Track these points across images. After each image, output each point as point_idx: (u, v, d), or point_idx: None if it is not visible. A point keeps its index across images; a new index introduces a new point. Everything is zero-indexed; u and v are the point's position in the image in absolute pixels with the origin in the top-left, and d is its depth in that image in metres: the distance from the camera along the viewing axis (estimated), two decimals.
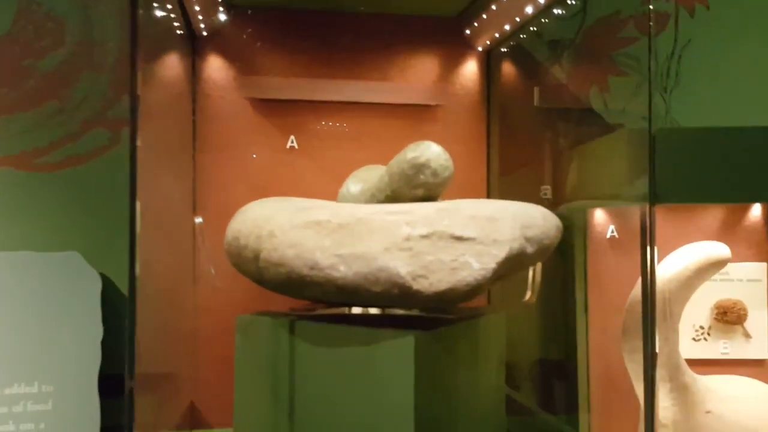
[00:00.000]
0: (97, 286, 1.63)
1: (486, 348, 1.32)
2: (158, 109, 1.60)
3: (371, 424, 1.11)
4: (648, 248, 1.25)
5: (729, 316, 1.60)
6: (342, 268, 1.08)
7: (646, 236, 1.36)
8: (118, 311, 1.65)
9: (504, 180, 1.89)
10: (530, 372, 1.88)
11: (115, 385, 1.55)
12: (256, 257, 1.16)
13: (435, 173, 1.24)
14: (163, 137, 1.61)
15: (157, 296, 1.59)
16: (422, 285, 1.04)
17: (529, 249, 1.11)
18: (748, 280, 1.62)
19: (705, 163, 1.34)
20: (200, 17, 1.68)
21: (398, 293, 1.05)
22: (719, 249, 1.51)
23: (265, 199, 1.35)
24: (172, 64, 1.66)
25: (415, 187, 1.26)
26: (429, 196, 1.28)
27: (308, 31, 1.79)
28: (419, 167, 1.24)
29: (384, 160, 1.81)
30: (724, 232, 1.63)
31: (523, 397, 1.86)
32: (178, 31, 1.66)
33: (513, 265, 1.10)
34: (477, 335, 1.28)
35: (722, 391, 1.53)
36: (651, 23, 1.35)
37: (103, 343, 1.60)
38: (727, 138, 1.33)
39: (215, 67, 1.74)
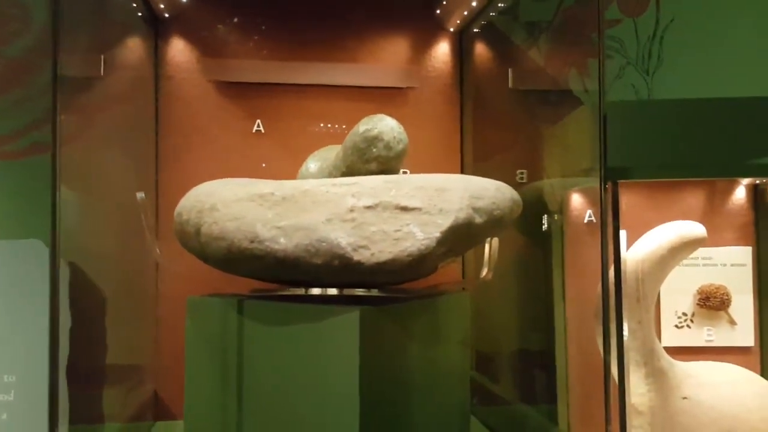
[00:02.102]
0: (64, 274, 1.60)
1: (446, 329, 1.27)
2: (118, 92, 1.58)
3: (318, 403, 1.07)
4: (603, 228, 1.20)
5: (712, 302, 1.55)
6: (282, 240, 1.03)
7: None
8: (87, 299, 1.61)
9: (478, 164, 1.85)
10: (507, 360, 1.83)
11: (83, 374, 1.53)
12: (198, 232, 1.12)
13: (388, 146, 1.20)
14: (122, 121, 1.58)
15: (117, 282, 1.56)
16: (363, 256, 1.00)
17: (478, 219, 1.06)
18: (732, 265, 1.57)
19: (660, 137, 1.29)
20: None
21: (339, 265, 1.01)
22: (694, 228, 1.46)
23: (218, 180, 1.31)
24: (133, 47, 1.63)
25: (368, 161, 1.22)
26: (383, 170, 1.24)
27: (275, 11, 1.75)
28: (371, 140, 1.20)
29: None
30: (709, 215, 1.57)
31: (499, 387, 1.81)
32: (139, 13, 1.64)
33: (461, 236, 1.05)
34: (434, 314, 1.23)
35: (700, 377, 1.47)
36: None
37: (72, 331, 1.57)
38: (683, 110, 1.28)
39: (178, 49, 1.70)
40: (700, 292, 1.55)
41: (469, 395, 1.42)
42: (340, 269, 1.01)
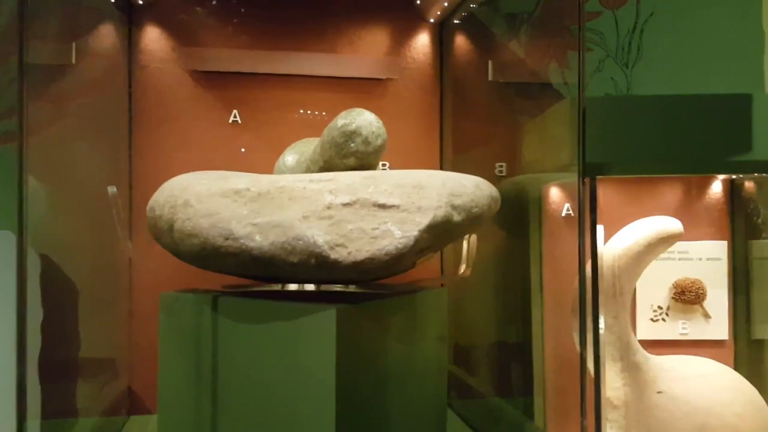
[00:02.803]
0: (35, 266, 1.56)
1: (423, 326, 1.27)
2: (90, 81, 1.53)
3: (294, 401, 1.06)
4: (580, 223, 1.20)
5: (687, 296, 1.56)
6: (258, 237, 1.01)
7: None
8: (59, 292, 1.58)
9: (458, 156, 1.84)
10: (484, 353, 1.83)
11: (56, 368, 1.50)
12: (171, 228, 1.09)
13: (366, 141, 1.18)
14: (95, 111, 1.54)
15: (89, 275, 1.53)
16: (340, 254, 0.98)
17: (456, 217, 1.05)
18: (708, 259, 1.58)
19: (639, 133, 1.29)
20: None
21: (315, 264, 0.99)
22: (670, 224, 1.46)
23: (192, 173, 1.29)
24: (105, 34, 1.58)
25: (346, 156, 1.20)
26: (362, 165, 1.22)
27: (253, 0, 1.72)
28: (350, 135, 1.18)
29: None
30: (685, 210, 1.58)
31: (476, 380, 1.81)
32: (112, 0, 1.59)
33: (439, 234, 1.04)
34: (412, 311, 1.22)
35: (675, 371, 1.49)
36: None
37: (44, 325, 1.53)
38: (661, 106, 1.28)
39: (153, 37, 1.66)
40: (676, 286, 1.56)
41: (446, 390, 1.42)
42: (316, 267, 1.00)
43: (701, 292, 1.56)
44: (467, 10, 1.77)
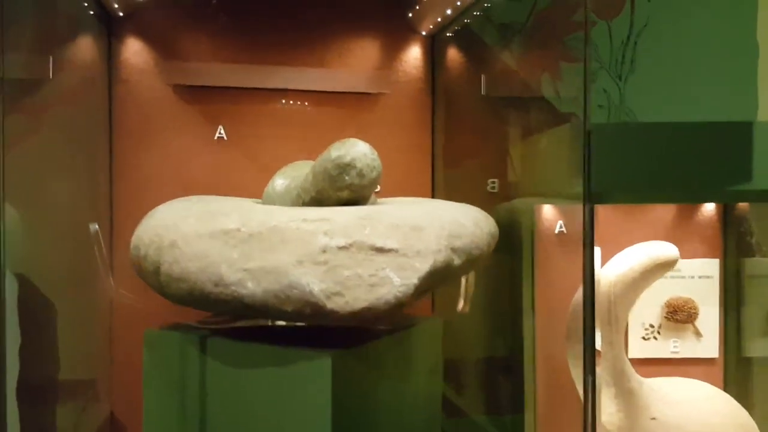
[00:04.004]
0: (13, 288, 1.50)
1: (417, 359, 1.24)
2: (68, 96, 1.47)
3: None
4: (587, 253, 1.17)
5: (679, 315, 1.55)
6: (250, 284, 0.97)
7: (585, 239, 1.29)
8: (39, 314, 1.52)
9: (449, 172, 1.80)
10: (474, 374, 1.81)
11: (36, 393, 1.45)
12: (157, 270, 1.04)
13: (361, 174, 1.14)
14: (73, 127, 1.48)
15: (69, 296, 1.47)
16: (337, 304, 0.94)
17: (456, 261, 1.01)
18: (700, 277, 1.57)
19: (644, 160, 1.26)
20: None
21: (311, 313, 0.95)
22: (667, 249, 1.45)
23: (176, 201, 1.23)
24: (83, 47, 1.51)
25: (339, 189, 1.15)
26: (356, 198, 1.18)
27: (239, 10, 1.65)
28: (344, 168, 1.13)
29: (320, 152, 1.70)
30: (676, 227, 1.57)
31: (466, 400, 1.79)
32: (90, 11, 1.52)
33: (438, 279, 1.00)
34: (407, 347, 1.19)
35: (669, 396, 1.48)
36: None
37: (23, 349, 1.48)
38: (669, 134, 1.25)
39: (133, 50, 1.59)
40: (668, 305, 1.55)
41: (440, 417, 1.39)
42: (312, 316, 0.96)
43: (693, 311, 1.56)
44: (461, 23, 1.72)
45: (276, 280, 0.96)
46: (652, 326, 1.56)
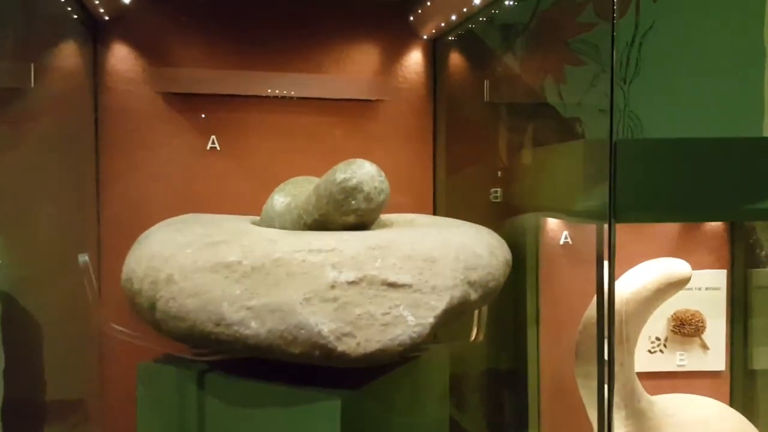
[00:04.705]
0: None
1: (426, 391, 1.18)
2: (51, 106, 1.39)
3: None
4: (611, 272, 1.12)
5: (686, 329, 1.53)
6: (254, 324, 0.90)
7: (602, 258, 1.24)
8: (24, 333, 1.45)
9: (452, 181, 1.74)
10: (477, 390, 1.77)
11: (22, 414, 1.38)
12: (152, 306, 0.97)
13: (368, 198, 1.07)
14: (57, 138, 1.40)
15: (57, 318, 1.40)
16: (348, 346, 0.88)
17: (473, 295, 0.95)
18: (707, 289, 1.55)
19: (669, 177, 1.20)
20: None
21: (320, 355, 0.89)
22: (680, 267, 1.41)
23: (168, 223, 1.15)
24: (66, 53, 1.42)
25: (345, 214, 1.09)
26: (363, 222, 1.11)
27: (232, 15, 1.56)
28: (350, 191, 1.06)
29: (319, 163, 1.61)
30: (683, 238, 1.53)
31: (469, 417, 1.75)
32: (74, 15, 1.42)
33: (454, 315, 0.94)
34: (415, 380, 1.13)
35: (679, 416, 1.45)
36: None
37: (8, 370, 1.41)
38: (695, 150, 1.19)
39: (120, 56, 1.50)
40: (675, 318, 1.53)
41: None
42: (321, 358, 0.89)
43: (701, 324, 1.53)
44: (464, 26, 1.65)
45: (282, 319, 0.89)
46: (658, 339, 1.53)
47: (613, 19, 1.24)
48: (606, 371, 1.20)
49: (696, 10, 1.94)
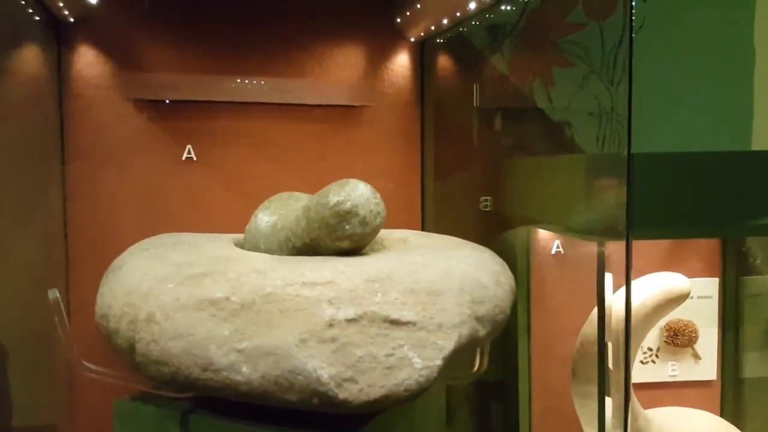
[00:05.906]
0: None
1: (423, 424, 1.12)
2: (12, 114, 1.28)
3: None
4: (627, 289, 1.07)
5: (680, 339, 1.51)
6: (245, 369, 0.82)
7: (603, 276, 1.20)
8: None
9: (440, 190, 1.67)
10: (466, 402, 1.72)
11: None
12: (132, 348, 0.88)
13: (364, 222, 1.00)
14: (20, 148, 1.29)
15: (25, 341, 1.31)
16: (350, 392, 0.81)
17: (482, 331, 0.89)
18: (699, 297, 1.52)
19: (682, 193, 1.16)
20: None
21: (319, 403, 0.81)
22: (679, 283, 1.37)
23: (144, 247, 1.06)
24: (27, 58, 1.31)
25: (339, 239, 1.01)
26: (357, 247, 1.04)
27: (208, 16, 1.47)
28: (344, 216, 0.99)
29: (302, 172, 1.54)
30: (674, 246, 1.50)
31: (458, 428, 1.70)
32: (35, 16, 1.31)
33: (462, 353, 0.88)
34: (411, 417, 1.07)
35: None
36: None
37: None
38: (708, 164, 1.15)
39: (87, 60, 1.39)
40: (668, 328, 1.51)
41: None
42: (320, 406, 0.82)
43: (694, 335, 1.52)
44: (453, 28, 1.58)
45: (275, 363, 0.82)
46: (650, 349, 1.51)
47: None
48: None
49: (686, 9, 1.91)
